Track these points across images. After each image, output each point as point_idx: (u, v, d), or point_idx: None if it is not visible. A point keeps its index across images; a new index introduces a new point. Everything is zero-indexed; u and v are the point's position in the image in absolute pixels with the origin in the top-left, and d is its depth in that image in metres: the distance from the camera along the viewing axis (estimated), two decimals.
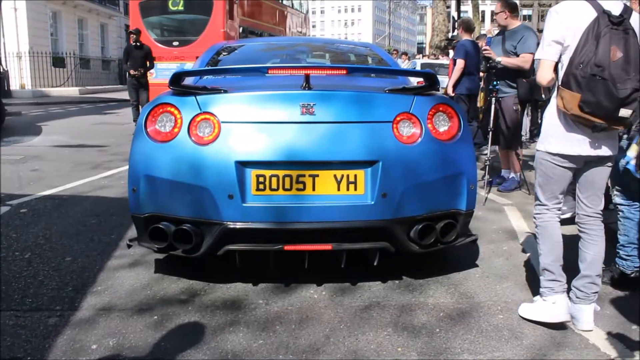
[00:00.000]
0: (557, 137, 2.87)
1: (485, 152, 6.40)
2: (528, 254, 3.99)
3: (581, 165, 2.91)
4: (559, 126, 2.86)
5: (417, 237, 3.22)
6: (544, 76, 2.86)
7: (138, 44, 11.40)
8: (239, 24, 15.40)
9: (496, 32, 6.58)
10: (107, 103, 20.27)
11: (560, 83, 2.80)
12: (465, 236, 3.48)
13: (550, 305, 2.94)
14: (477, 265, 3.80)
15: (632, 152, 3.16)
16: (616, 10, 2.74)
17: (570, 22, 2.77)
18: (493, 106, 5.90)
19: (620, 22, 2.68)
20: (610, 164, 2.94)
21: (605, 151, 2.85)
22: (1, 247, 4.07)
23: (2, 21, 22.31)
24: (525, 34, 5.74)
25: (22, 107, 16.71)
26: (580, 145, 2.83)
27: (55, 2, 25.74)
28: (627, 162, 3.19)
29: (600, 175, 2.94)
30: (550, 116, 2.91)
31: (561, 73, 2.81)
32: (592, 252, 2.94)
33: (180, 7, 14.36)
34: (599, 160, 2.89)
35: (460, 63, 7.42)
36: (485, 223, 4.85)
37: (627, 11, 2.75)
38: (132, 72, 11.13)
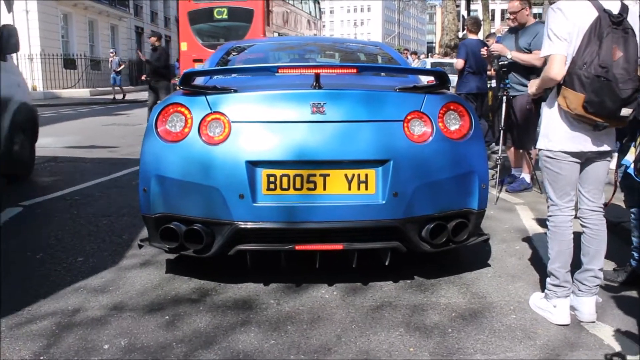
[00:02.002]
0: (558, 135, 2.89)
1: (495, 150, 6.37)
2: (540, 254, 3.95)
3: (583, 160, 2.93)
4: (560, 124, 2.88)
5: (428, 236, 3.20)
6: (558, 71, 2.80)
7: (153, 46, 11.49)
8: (273, 30, 17.07)
9: (506, 30, 6.51)
10: (117, 104, 20.37)
11: (562, 83, 2.80)
12: (477, 235, 3.46)
13: (552, 307, 2.97)
14: (489, 265, 3.78)
15: (630, 156, 3.17)
16: (615, 9, 2.74)
17: (574, 20, 2.78)
18: (504, 105, 5.86)
19: (620, 22, 2.69)
20: (609, 158, 3.00)
21: (605, 147, 2.90)
22: (14, 247, 4.10)
23: (14, 23, 22.46)
24: (540, 30, 5.63)
25: None
26: (581, 142, 2.86)
27: (66, 4, 25.89)
28: (627, 167, 3.19)
29: (601, 170, 2.98)
30: (551, 114, 2.93)
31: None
32: (595, 246, 2.97)
33: (225, 16, 15.93)
34: (599, 156, 2.94)
35: (459, 63, 7.40)
36: (496, 222, 4.82)
37: (625, 10, 2.75)
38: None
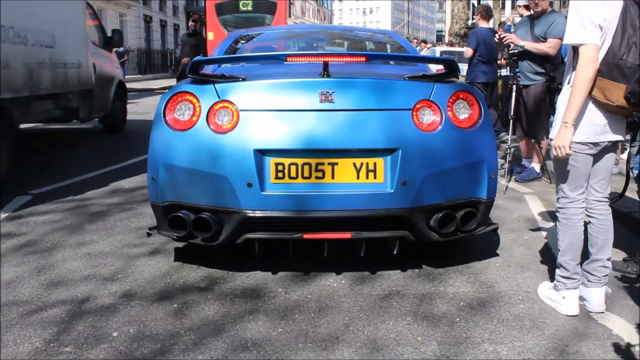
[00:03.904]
0: (581, 126, 2.81)
1: (505, 139, 6.34)
2: (549, 244, 3.94)
3: (598, 151, 2.89)
4: (584, 114, 2.80)
5: (437, 225, 3.19)
6: (593, 62, 2.66)
7: (190, 31, 11.41)
8: (293, 21, 18.02)
9: (517, 19, 6.44)
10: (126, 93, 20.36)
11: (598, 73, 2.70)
12: (486, 225, 3.44)
13: (560, 298, 2.96)
14: (497, 255, 3.77)
15: None
16: None
17: (610, 6, 2.68)
18: (514, 94, 5.82)
19: None
20: (617, 147, 2.98)
21: (619, 137, 2.87)
22: (22, 236, 4.13)
23: None
24: (557, 18, 5.52)
25: None
26: (602, 132, 2.81)
27: None
28: None
29: (611, 161, 2.97)
30: None
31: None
32: (603, 236, 2.96)
33: (250, 8, 16.80)
34: (612, 146, 2.91)
35: (468, 52, 7.39)
36: (505, 212, 4.80)
37: None
38: (184, 60, 11.10)
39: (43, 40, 6.50)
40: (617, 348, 2.60)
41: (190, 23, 12.03)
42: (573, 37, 2.73)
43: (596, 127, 2.80)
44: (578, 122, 2.80)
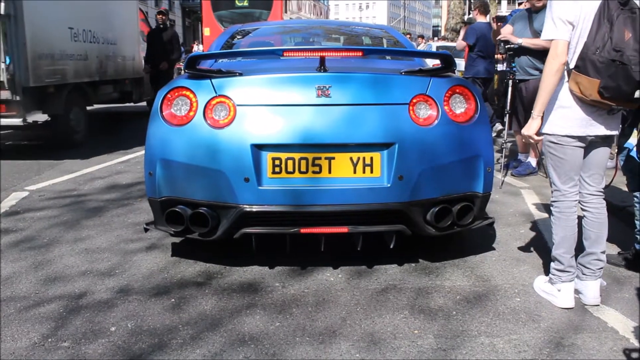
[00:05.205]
0: (565, 119, 2.85)
1: (499, 131, 6.35)
2: (545, 237, 3.95)
3: (587, 144, 2.90)
4: (567, 108, 2.84)
5: (433, 219, 3.20)
6: (561, 58, 2.76)
7: (162, 25, 10.48)
8: (289, 16, 18.42)
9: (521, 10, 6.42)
10: None
11: (573, 68, 2.75)
12: (482, 219, 3.45)
13: (556, 291, 2.98)
14: (493, 249, 3.78)
15: (633, 139, 3.15)
16: None
17: (582, 3, 2.73)
18: (510, 88, 5.83)
19: (627, 2, 2.65)
20: (611, 142, 2.98)
21: (610, 131, 2.87)
22: (20, 232, 4.13)
23: None
24: None
25: None
26: (587, 126, 2.83)
27: None
28: (630, 150, 3.18)
29: (604, 154, 2.97)
30: (556, 98, 2.87)
31: (574, 57, 2.76)
32: (596, 230, 2.97)
33: (245, 3, 16.93)
34: (603, 140, 2.92)
35: (461, 44, 7.43)
36: (502, 206, 4.82)
37: None
38: (163, 66, 10.15)
39: (109, 39, 8.91)
40: (612, 341, 2.61)
41: (159, 16, 10.60)
42: (546, 34, 2.84)
43: (580, 120, 2.82)
44: (567, 116, 2.83)
